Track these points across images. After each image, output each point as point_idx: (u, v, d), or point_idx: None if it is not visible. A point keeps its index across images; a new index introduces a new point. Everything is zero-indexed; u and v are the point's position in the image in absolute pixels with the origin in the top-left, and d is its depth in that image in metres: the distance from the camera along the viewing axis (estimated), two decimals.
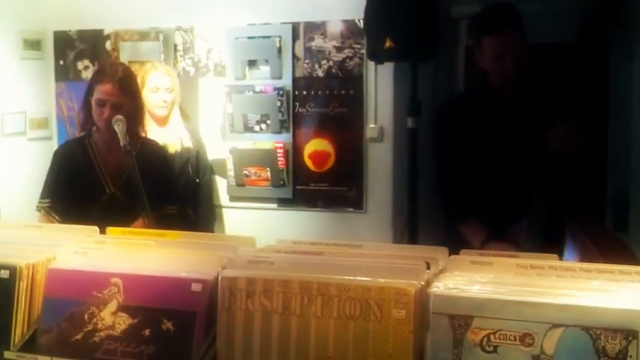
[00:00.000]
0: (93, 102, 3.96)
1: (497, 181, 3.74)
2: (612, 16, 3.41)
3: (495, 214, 3.69)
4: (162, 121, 4.84)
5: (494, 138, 3.78)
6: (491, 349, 1.72)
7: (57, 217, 3.97)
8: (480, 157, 3.78)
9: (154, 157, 4.12)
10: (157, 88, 4.79)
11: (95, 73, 4.25)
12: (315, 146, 5.11)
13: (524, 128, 3.72)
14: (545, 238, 3.49)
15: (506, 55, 3.71)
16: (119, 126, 3.82)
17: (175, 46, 5.37)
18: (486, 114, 3.82)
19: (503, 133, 3.77)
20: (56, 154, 4.19)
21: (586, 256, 3.33)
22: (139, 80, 4.77)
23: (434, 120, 4.21)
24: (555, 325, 1.67)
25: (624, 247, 3.56)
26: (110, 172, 4.02)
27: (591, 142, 3.67)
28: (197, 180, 5.05)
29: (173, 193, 4.20)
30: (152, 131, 4.70)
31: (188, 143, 4.98)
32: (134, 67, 4.99)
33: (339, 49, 5.00)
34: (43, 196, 4.06)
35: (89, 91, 4.02)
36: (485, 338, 1.72)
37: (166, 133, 4.83)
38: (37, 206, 4.05)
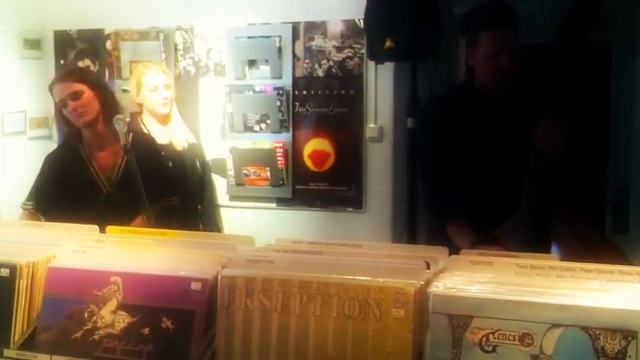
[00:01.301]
0: (60, 109, 4.04)
1: (483, 181, 3.73)
2: (589, 15, 3.39)
3: (483, 214, 3.67)
4: (164, 120, 4.85)
5: (479, 137, 3.75)
6: (490, 348, 1.72)
7: (42, 218, 3.97)
8: (466, 156, 3.76)
9: (148, 149, 4.11)
10: (155, 87, 4.79)
11: (49, 88, 4.28)
12: (315, 146, 5.11)
13: (510, 127, 3.70)
14: (534, 238, 3.47)
15: (503, 53, 3.68)
16: (119, 125, 3.83)
17: (175, 45, 5.37)
18: (472, 113, 3.79)
19: (489, 132, 3.74)
20: (47, 159, 4.18)
21: (573, 257, 3.31)
22: (134, 82, 4.80)
23: (421, 116, 4.19)
24: (555, 325, 1.67)
25: (615, 247, 3.55)
26: (104, 172, 4.02)
27: (580, 142, 3.66)
28: (203, 176, 5.08)
29: (172, 184, 4.19)
30: (155, 131, 4.71)
31: (193, 140, 5.00)
32: (130, 68, 5.03)
33: (339, 49, 5.00)
34: (28, 198, 4.10)
35: (55, 105, 4.12)
36: (485, 338, 1.72)
37: (170, 132, 4.84)
38: (21, 206, 4.08)
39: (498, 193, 3.66)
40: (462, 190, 3.74)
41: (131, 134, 4.02)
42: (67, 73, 4.19)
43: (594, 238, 3.58)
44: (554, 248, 3.43)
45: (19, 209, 4.48)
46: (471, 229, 3.68)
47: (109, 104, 4.02)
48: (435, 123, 3.91)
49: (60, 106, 4.02)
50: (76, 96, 3.94)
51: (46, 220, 3.92)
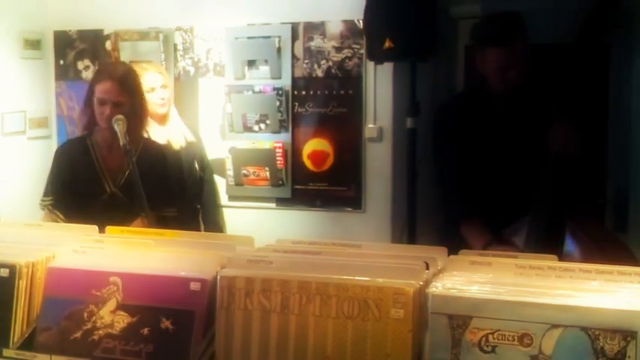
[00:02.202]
0: (95, 101, 3.97)
1: (497, 181, 3.74)
2: (608, 16, 3.41)
3: (495, 214, 3.69)
4: (162, 120, 4.84)
5: (493, 138, 3.78)
6: (489, 349, 1.72)
7: (60, 215, 3.98)
8: (480, 157, 3.78)
9: (156, 159, 4.13)
10: (152, 88, 4.79)
11: (96, 72, 4.27)
12: (314, 146, 5.11)
13: (523, 128, 3.72)
14: (546, 238, 3.49)
15: (510, 67, 3.70)
16: (119, 125, 3.83)
17: (175, 46, 5.37)
18: (486, 114, 3.82)
19: (503, 133, 3.76)
20: (57, 153, 4.21)
21: (586, 256, 3.33)
22: None
23: (434, 119, 4.21)
24: (554, 326, 1.67)
25: (624, 247, 3.56)
26: (111, 172, 4.02)
27: (590, 143, 3.67)
28: (202, 175, 5.07)
29: (174, 196, 4.20)
30: (154, 131, 4.71)
31: (191, 138, 4.99)
32: None
33: (338, 49, 5.00)
34: (45, 194, 4.09)
35: (90, 91, 4.03)
36: (484, 338, 1.72)
37: (168, 131, 4.84)
38: (40, 204, 4.07)
39: (511, 193, 3.67)
40: (476, 191, 3.75)
41: (142, 141, 4.07)
42: (123, 75, 4.06)
43: (606, 237, 3.60)
44: (567, 248, 3.45)
45: (19, 208, 4.50)
46: (484, 228, 3.69)
47: (139, 118, 4.03)
48: (450, 123, 3.92)
49: (97, 102, 3.96)
50: (118, 104, 3.92)
51: (64, 217, 3.94)
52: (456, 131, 3.86)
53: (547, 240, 3.48)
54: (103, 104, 3.93)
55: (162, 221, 3.87)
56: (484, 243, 3.62)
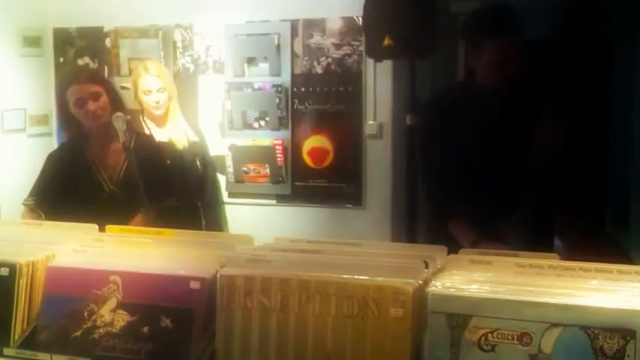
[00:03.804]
0: (73, 107, 3.98)
1: (486, 178, 3.72)
2: (588, 12, 3.39)
3: (484, 211, 3.67)
4: (161, 121, 4.84)
5: (481, 134, 3.75)
6: (489, 348, 1.72)
7: (42, 214, 3.98)
8: (469, 153, 3.76)
9: (149, 151, 4.12)
10: (148, 90, 4.79)
11: (59, 86, 4.30)
12: (314, 143, 5.12)
13: (512, 124, 3.70)
14: (535, 234, 3.48)
15: (507, 61, 3.67)
16: (119, 123, 3.83)
17: (175, 43, 5.38)
18: (474, 110, 3.79)
19: (491, 128, 3.74)
20: (50, 157, 4.18)
21: (576, 252, 3.32)
22: (132, 82, 4.82)
23: (422, 115, 4.18)
24: (553, 325, 1.67)
25: (614, 242, 3.57)
26: (107, 171, 4.03)
27: (580, 138, 3.66)
28: (204, 173, 5.06)
29: (171, 187, 4.20)
30: (155, 129, 4.72)
31: (194, 137, 4.99)
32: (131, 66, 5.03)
33: (337, 46, 5.00)
34: (30, 194, 4.09)
35: (64, 103, 4.05)
36: (483, 337, 1.72)
37: (170, 130, 4.84)
38: (23, 202, 4.09)
39: (500, 189, 3.66)
40: (465, 187, 3.74)
41: (134, 135, 4.06)
42: (83, 73, 4.17)
43: (595, 234, 3.60)
44: (556, 244, 3.44)
45: (19, 206, 4.49)
46: (472, 225, 3.68)
47: (119, 107, 4.03)
48: (438, 120, 3.90)
49: (75, 106, 3.96)
50: (95, 97, 3.94)
51: (46, 217, 3.94)
52: (446, 125, 3.83)
53: (536, 236, 3.47)
54: (83, 105, 3.95)
55: (164, 214, 3.88)
56: (472, 240, 3.60)
